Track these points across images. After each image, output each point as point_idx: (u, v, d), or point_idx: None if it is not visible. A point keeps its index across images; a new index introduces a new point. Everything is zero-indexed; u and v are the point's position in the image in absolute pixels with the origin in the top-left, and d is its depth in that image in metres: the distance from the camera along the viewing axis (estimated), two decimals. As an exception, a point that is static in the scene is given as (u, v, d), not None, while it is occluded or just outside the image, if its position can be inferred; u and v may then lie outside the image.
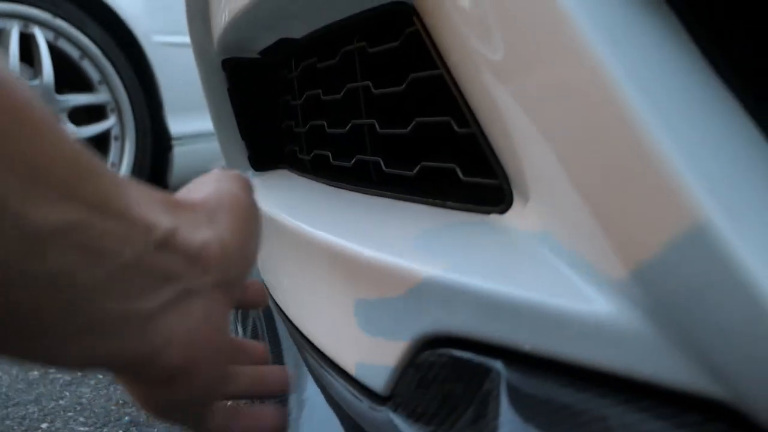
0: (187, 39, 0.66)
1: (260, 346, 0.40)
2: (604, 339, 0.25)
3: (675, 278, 0.22)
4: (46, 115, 0.23)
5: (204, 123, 2.15)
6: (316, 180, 0.58)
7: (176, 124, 2.17)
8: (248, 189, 0.36)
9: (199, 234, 0.29)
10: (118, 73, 2.02)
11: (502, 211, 0.34)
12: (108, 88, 2.03)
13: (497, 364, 0.29)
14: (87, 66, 1.98)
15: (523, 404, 0.28)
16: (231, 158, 0.72)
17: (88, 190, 0.24)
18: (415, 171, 0.42)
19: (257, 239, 0.35)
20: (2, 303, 0.21)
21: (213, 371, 0.30)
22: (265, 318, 0.58)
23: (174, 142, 2.18)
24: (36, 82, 1.91)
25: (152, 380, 0.28)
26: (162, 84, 2.11)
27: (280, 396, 0.39)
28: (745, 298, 0.19)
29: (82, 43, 1.94)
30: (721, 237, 0.20)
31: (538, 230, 0.30)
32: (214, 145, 0.75)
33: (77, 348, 0.24)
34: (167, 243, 0.27)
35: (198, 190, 0.33)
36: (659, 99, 0.22)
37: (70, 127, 2.07)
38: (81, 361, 0.25)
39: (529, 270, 0.29)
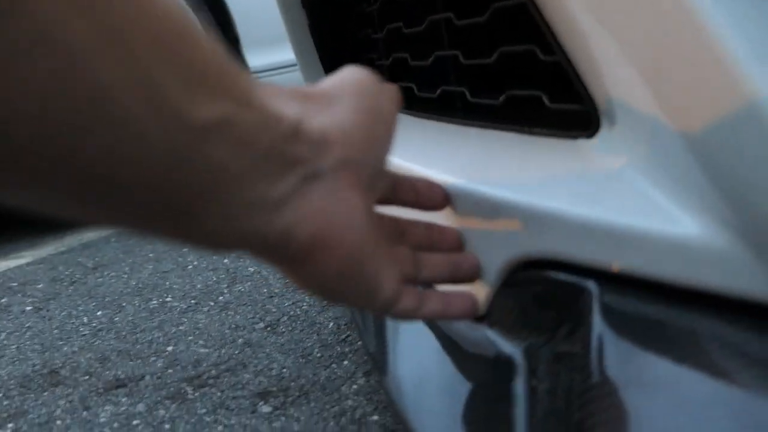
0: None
1: (453, 232, 0.40)
2: (692, 258, 0.26)
3: (760, 195, 0.23)
4: (193, 21, 0.25)
5: (280, 55, 2.20)
6: (403, 112, 0.59)
7: (254, 58, 2.22)
8: (373, 77, 0.36)
9: (321, 119, 0.31)
10: (197, 13, 2.07)
11: (589, 136, 0.35)
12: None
13: (590, 283, 0.31)
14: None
15: (615, 320, 0.30)
16: (306, 69, 0.74)
17: (236, 88, 0.26)
18: (501, 99, 0.43)
19: (384, 120, 0.35)
20: (165, 187, 0.25)
21: (351, 244, 0.31)
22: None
23: (253, 75, 2.24)
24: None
25: (293, 259, 0.30)
26: (237, 21, 2.15)
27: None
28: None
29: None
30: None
31: (625, 154, 0.31)
32: (291, 76, 0.77)
33: (221, 230, 0.27)
34: (294, 131, 0.29)
35: (325, 82, 0.35)
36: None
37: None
38: (223, 242, 0.29)
39: (617, 194, 0.30)
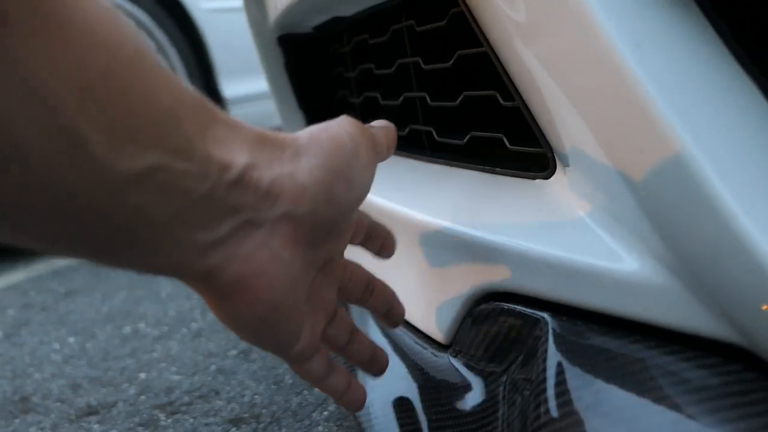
0: (233, 3, 0.70)
1: (389, 293, 0.42)
2: (633, 292, 0.29)
3: (695, 242, 0.26)
4: (143, 55, 0.24)
5: (255, 84, 2.22)
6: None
7: (229, 87, 2.24)
8: (355, 130, 0.34)
9: (277, 169, 0.29)
10: (171, 41, 2.09)
11: (546, 177, 0.38)
12: (163, 57, 2.10)
13: (545, 315, 0.34)
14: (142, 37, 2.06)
15: (567, 348, 0.32)
16: (290, 127, 0.77)
17: (174, 137, 0.25)
18: (465, 140, 0.46)
19: (352, 181, 0.33)
20: (87, 222, 0.24)
21: (274, 296, 0.30)
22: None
23: (228, 105, 2.25)
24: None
25: (218, 295, 0.30)
26: (213, 49, 2.17)
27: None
28: (748, 264, 0.23)
29: (135, 16, 2.02)
30: (736, 221, 0.24)
31: (577, 196, 0.34)
32: (266, 106, 0.79)
33: (148, 259, 0.27)
34: (240, 179, 0.28)
35: (305, 131, 0.33)
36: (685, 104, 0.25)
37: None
38: (151, 269, 0.28)
39: (569, 232, 0.33)
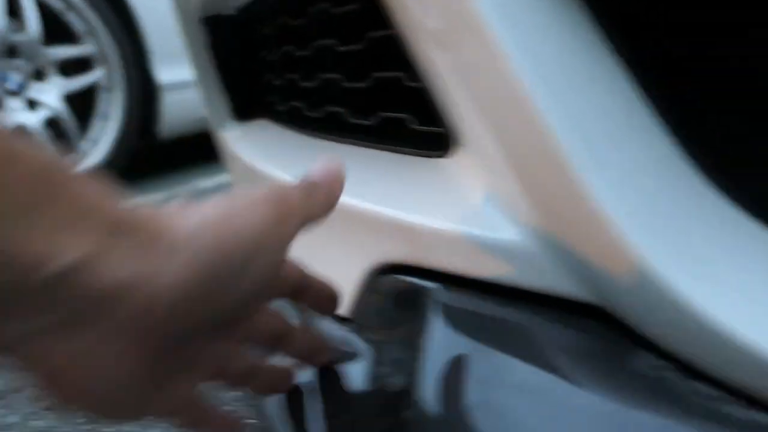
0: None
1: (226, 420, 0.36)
2: (513, 260, 0.30)
3: (561, 216, 0.27)
4: None
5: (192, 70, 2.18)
6: (292, 130, 0.62)
7: (164, 73, 2.19)
8: (266, 219, 0.28)
9: (128, 267, 0.25)
10: (104, 23, 2.03)
11: (444, 156, 0.39)
12: (95, 39, 2.04)
13: (434, 286, 0.35)
14: (72, 18, 1.99)
15: (453, 316, 0.33)
16: (213, 109, 0.76)
17: None
18: (374, 120, 0.47)
19: (237, 279, 0.27)
20: None
21: (99, 396, 0.27)
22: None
23: (163, 91, 2.20)
24: (23, 35, 1.92)
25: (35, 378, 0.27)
26: (148, 33, 2.12)
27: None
28: (602, 234, 0.25)
29: (66, -6, 1.95)
30: (594, 195, 0.25)
31: (470, 174, 0.36)
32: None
33: None
34: (61, 277, 0.23)
35: (191, 217, 0.27)
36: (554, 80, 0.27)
37: (59, 80, 2.09)
38: None
39: (460, 207, 0.34)
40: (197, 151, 2.29)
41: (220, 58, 0.74)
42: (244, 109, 0.75)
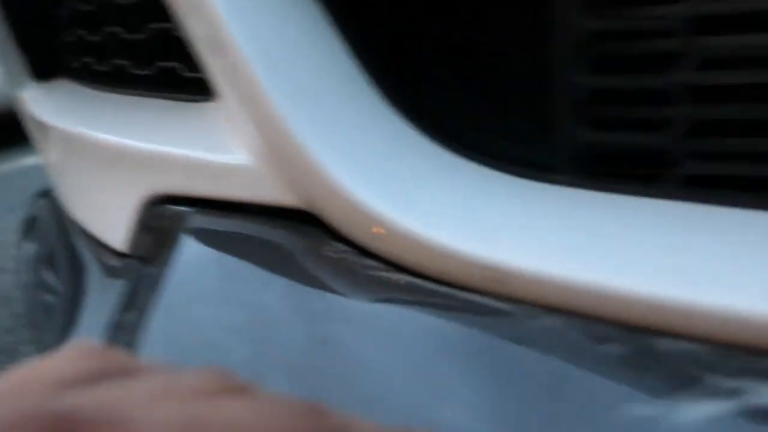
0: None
1: None
2: (245, 180, 0.36)
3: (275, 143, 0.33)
4: None
5: None
6: (87, 86, 0.64)
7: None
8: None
9: None
10: None
11: (207, 101, 0.44)
12: None
13: (187, 210, 0.40)
14: None
15: (205, 235, 0.38)
16: (10, 69, 0.75)
17: None
18: (152, 70, 0.50)
19: None
20: None
21: None
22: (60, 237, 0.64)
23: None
24: None
25: None
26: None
27: None
28: (301, 157, 0.31)
29: None
30: (290, 124, 0.31)
31: (222, 114, 0.40)
32: None
33: None
34: None
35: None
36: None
37: None
38: None
39: (210, 140, 0.39)
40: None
41: (12, 14, 0.72)
42: (42, 69, 0.75)
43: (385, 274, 0.30)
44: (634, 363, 0.23)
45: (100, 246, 0.51)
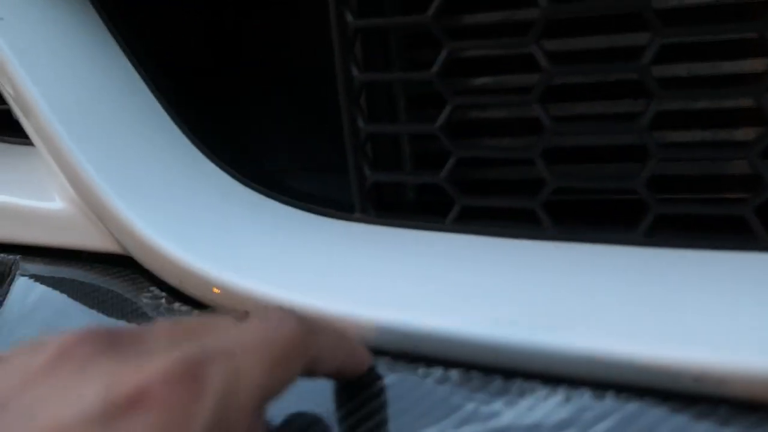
0: None
1: None
2: (62, 226, 0.36)
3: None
4: None
5: None
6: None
7: None
8: None
9: None
10: None
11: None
12: None
13: (16, 257, 0.40)
14: None
15: (36, 280, 0.38)
16: None
17: None
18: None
19: None
20: None
21: None
22: None
23: None
24: None
25: None
26: None
27: None
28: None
29: None
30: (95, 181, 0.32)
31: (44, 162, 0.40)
32: None
33: None
34: None
35: None
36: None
37: None
38: None
39: (33, 185, 0.39)
40: None
41: None
42: None
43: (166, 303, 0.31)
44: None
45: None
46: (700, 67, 0.27)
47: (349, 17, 0.29)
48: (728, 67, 0.27)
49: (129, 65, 0.34)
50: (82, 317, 0.35)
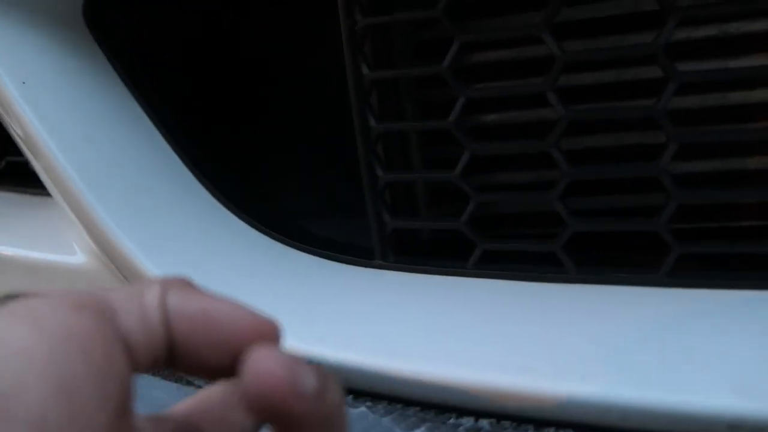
0: None
1: None
2: (82, 277, 0.36)
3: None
4: None
5: None
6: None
7: None
8: None
9: None
10: None
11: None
12: None
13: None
14: None
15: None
16: None
17: None
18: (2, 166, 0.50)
19: None
20: None
21: None
22: None
23: None
24: None
25: None
26: None
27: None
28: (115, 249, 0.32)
29: None
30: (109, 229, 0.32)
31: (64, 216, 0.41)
32: None
33: None
34: None
35: None
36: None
37: None
38: None
39: (54, 239, 0.40)
40: None
41: None
42: None
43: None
44: None
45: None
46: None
47: (365, 69, 0.29)
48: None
49: (151, 125, 0.35)
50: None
